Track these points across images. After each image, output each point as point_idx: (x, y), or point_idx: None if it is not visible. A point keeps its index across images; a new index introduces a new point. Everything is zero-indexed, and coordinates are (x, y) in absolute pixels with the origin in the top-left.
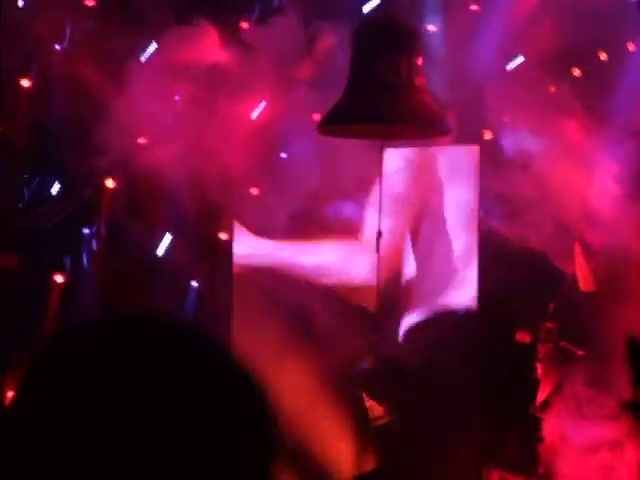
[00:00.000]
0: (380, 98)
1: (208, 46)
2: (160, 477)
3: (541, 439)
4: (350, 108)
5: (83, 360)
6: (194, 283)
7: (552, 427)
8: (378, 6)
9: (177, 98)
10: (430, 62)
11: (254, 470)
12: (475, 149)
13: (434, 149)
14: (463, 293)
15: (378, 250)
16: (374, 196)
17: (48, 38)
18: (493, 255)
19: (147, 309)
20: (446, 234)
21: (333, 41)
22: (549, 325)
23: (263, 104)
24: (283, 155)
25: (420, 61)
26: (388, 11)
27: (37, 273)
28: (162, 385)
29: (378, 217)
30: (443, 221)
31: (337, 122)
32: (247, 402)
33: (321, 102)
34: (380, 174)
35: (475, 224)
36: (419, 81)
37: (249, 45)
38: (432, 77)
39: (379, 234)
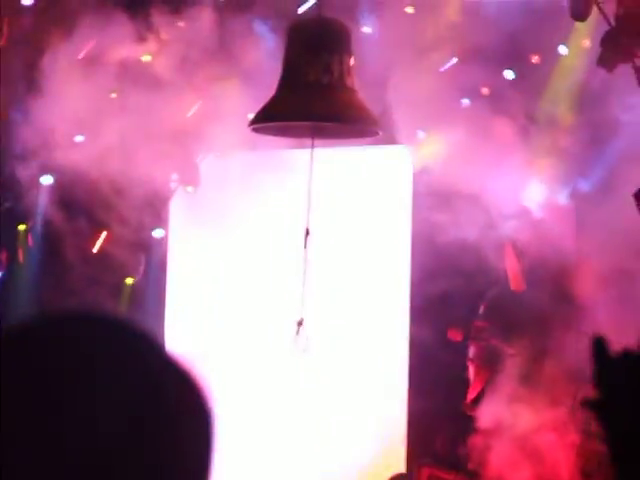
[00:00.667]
0: (311, 97)
1: (123, 38)
2: (91, 469)
3: (471, 436)
4: (282, 106)
5: (13, 358)
6: (129, 280)
7: (486, 417)
8: (313, 6)
9: (111, 94)
10: (362, 63)
11: (190, 460)
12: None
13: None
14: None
15: (305, 247)
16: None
17: None
18: (426, 249)
19: (81, 306)
20: None
21: (256, 38)
22: (480, 323)
23: (198, 103)
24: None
25: (352, 61)
26: (321, 11)
27: None
28: (92, 380)
29: (307, 215)
30: None
31: (268, 119)
32: (180, 396)
33: (249, 100)
34: (310, 173)
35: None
36: (350, 81)
37: (164, 37)
38: (364, 78)
39: (307, 232)
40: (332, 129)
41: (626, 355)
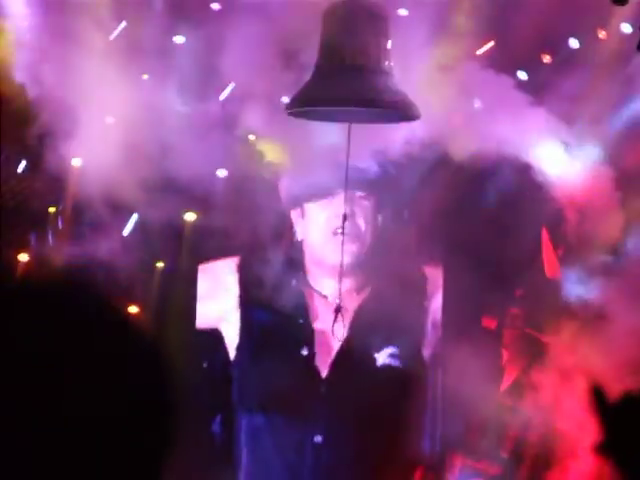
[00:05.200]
0: (348, 81)
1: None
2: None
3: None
4: (318, 90)
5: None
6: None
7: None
8: None
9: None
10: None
11: (150, 437)
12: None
13: None
14: None
15: (343, 233)
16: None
17: None
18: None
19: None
20: None
21: None
22: (514, 311)
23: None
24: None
25: (389, 44)
26: None
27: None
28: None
29: (344, 201)
30: None
31: (304, 104)
32: (152, 372)
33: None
34: (347, 155)
35: None
36: (387, 65)
37: None
38: (401, 62)
39: (344, 217)
40: (369, 113)
41: (625, 399)
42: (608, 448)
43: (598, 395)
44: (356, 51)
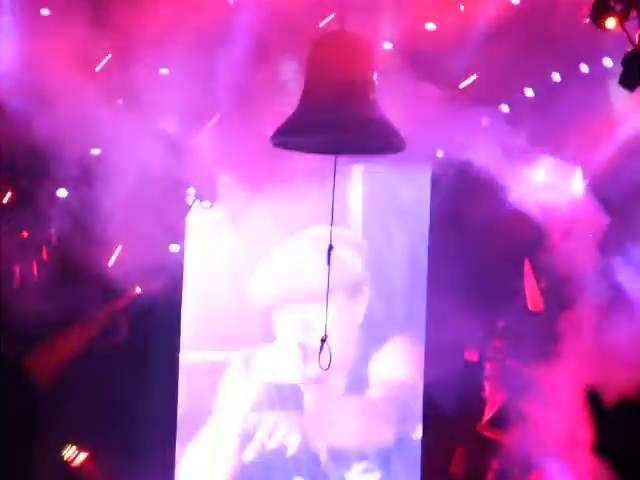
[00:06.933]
0: (335, 111)
1: None
2: None
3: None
4: (304, 121)
5: None
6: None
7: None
8: (332, 20)
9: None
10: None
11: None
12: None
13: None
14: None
15: (329, 262)
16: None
17: None
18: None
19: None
20: None
21: None
22: (497, 343)
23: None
24: None
25: (375, 76)
26: (344, 25)
27: None
28: None
29: (330, 230)
30: None
31: (291, 134)
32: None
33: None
34: (333, 187)
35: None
36: (373, 96)
37: None
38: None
39: (330, 247)
40: (355, 144)
41: (621, 405)
42: (603, 450)
43: (593, 399)
44: (343, 82)
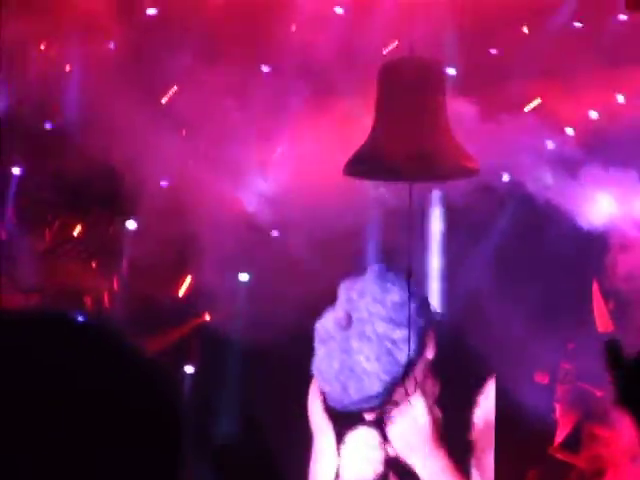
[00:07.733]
0: (408, 138)
1: None
2: (68, 473)
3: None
4: (378, 149)
5: None
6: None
7: None
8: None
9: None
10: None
11: (160, 461)
12: None
13: None
14: None
15: (409, 291)
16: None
17: None
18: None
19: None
20: None
21: None
22: (566, 366)
23: None
24: None
25: (445, 101)
26: (413, 51)
27: None
28: (64, 378)
29: (408, 258)
30: None
31: (366, 163)
32: (151, 393)
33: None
34: (410, 212)
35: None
36: (445, 121)
37: None
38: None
39: (409, 274)
40: (429, 169)
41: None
42: (625, 402)
43: (614, 350)
44: (416, 107)
